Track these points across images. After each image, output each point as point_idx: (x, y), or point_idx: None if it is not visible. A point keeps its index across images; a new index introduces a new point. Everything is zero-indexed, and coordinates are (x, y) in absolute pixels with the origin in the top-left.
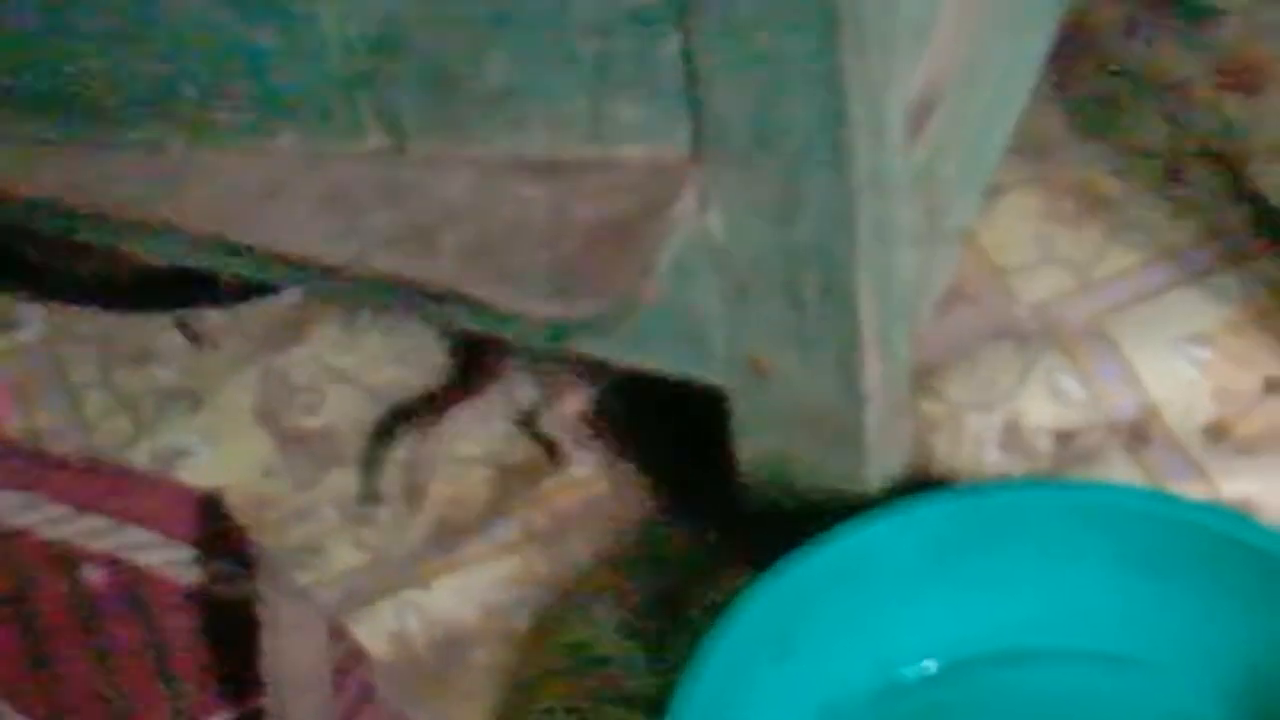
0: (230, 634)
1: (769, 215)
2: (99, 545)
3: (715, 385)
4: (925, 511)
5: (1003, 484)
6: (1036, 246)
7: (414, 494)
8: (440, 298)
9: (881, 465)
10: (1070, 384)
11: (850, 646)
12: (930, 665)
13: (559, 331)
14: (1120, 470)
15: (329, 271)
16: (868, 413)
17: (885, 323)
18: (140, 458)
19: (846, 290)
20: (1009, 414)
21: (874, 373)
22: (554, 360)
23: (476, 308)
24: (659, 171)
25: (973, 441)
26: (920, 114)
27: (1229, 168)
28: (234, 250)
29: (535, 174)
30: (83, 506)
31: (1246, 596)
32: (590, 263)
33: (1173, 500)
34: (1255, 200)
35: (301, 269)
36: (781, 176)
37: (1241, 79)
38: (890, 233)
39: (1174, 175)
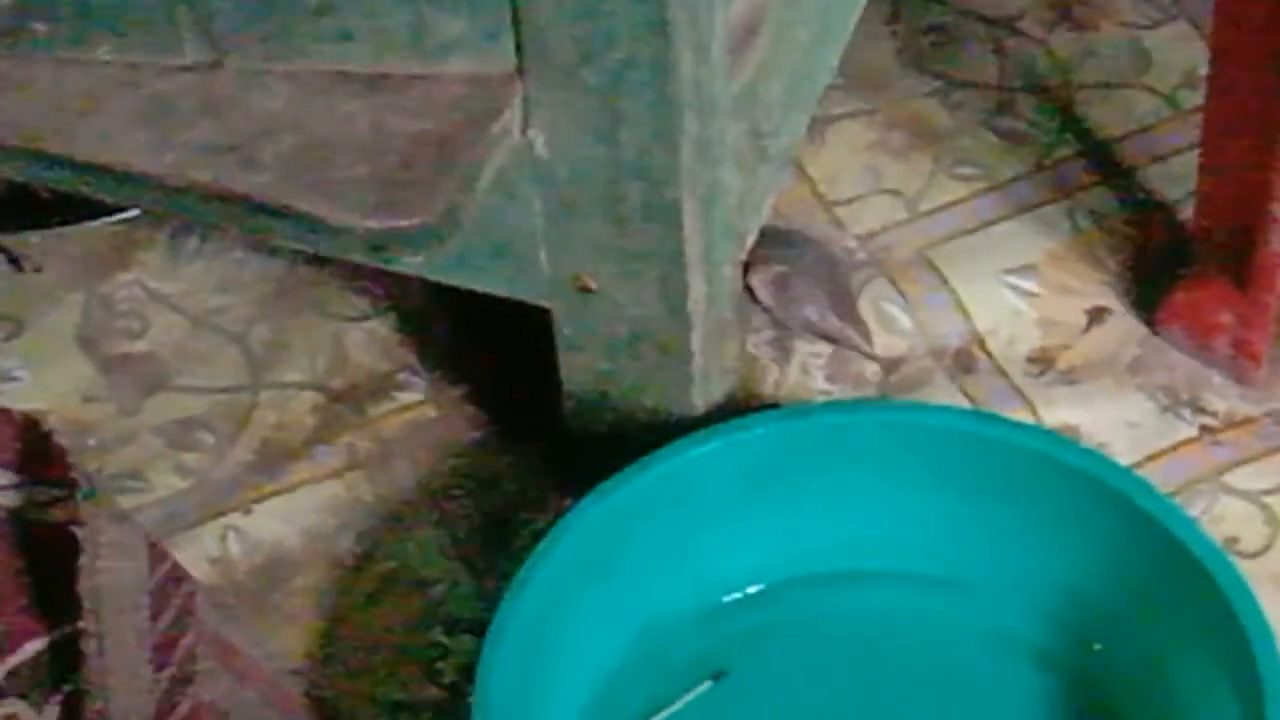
0: (49, 557)
1: (592, 131)
2: None
3: (540, 305)
4: (748, 434)
5: (825, 406)
6: (866, 178)
7: None
8: (261, 210)
9: (707, 387)
10: (897, 313)
11: (673, 568)
12: (752, 587)
13: (380, 245)
14: (945, 397)
15: (147, 183)
16: (693, 332)
17: (709, 243)
18: None
19: (669, 208)
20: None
21: (698, 292)
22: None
23: (297, 221)
24: (482, 86)
25: (800, 368)
26: (743, 34)
27: (1058, 101)
28: (51, 162)
29: (356, 88)
30: None
31: (1065, 517)
32: (411, 177)
33: (993, 421)
34: (1083, 134)
35: (120, 181)
36: (604, 92)
37: (1071, 14)
38: (713, 152)
39: (1003, 108)
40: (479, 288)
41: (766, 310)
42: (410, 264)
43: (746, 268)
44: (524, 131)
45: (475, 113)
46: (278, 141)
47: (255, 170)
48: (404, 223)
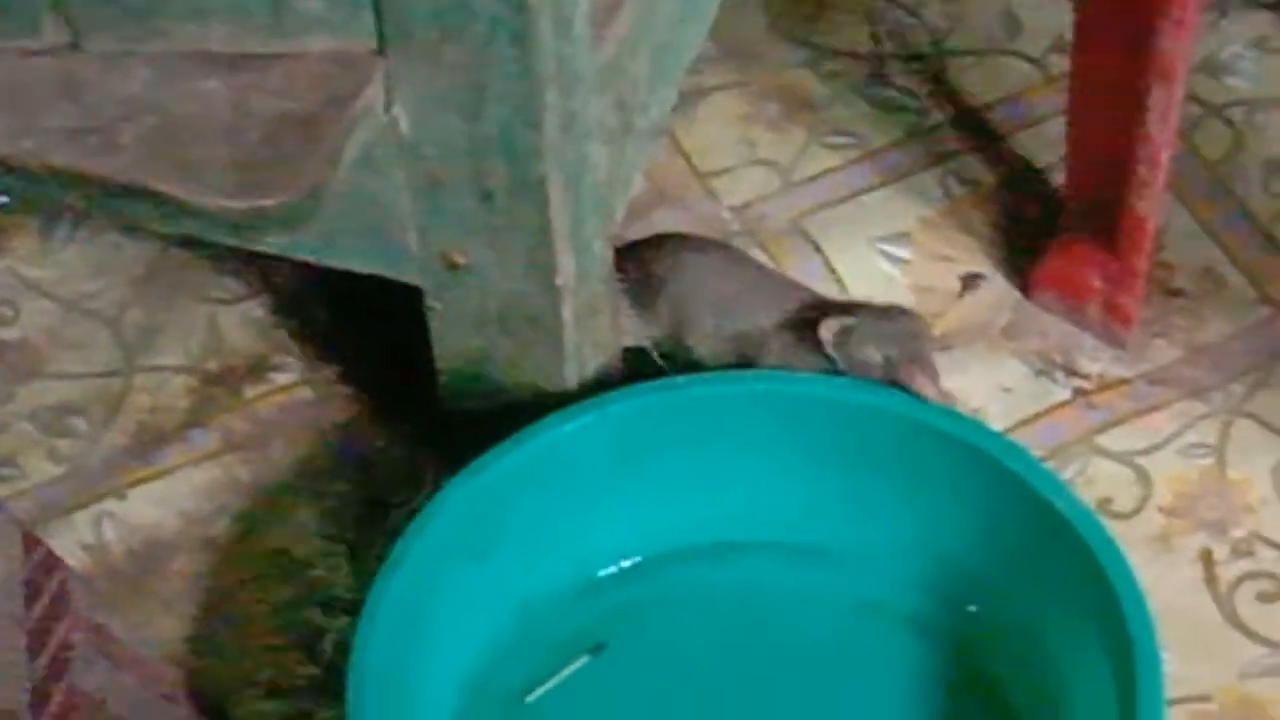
0: None
1: (455, 108)
2: None
3: (411, 283)
4: (618, 408)
5: (694, 379)
6: (739, 149)
7: None
8: (123, 193)
9: (580, 362)
10: None
11: (548, 544)
12: (628, 561)
13: (242, 226)
14: None
15: (7, 168)
16: (563, 308)
17: (578, 217)
18: None
19: (535, 183)
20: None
21: (568, 267)
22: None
23: (160, 203)
24: (344, 64)
25: None
26: (606, 9)
27: (930, 69)
28: None
29: (217, 68)
30: None
31: (937, 483)
32: (273, 156)
33: (863, 389)
34: (956, 101)
35: None
36: (466, 68)
37: None
38: (579, 127)
39: (876, 77)
40: (348, 267)
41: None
42: (275, 244)
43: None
44: (387, 109)
45: (337, 91)
46: (138, 123)
47: (115, 153)
48: (266, 203)
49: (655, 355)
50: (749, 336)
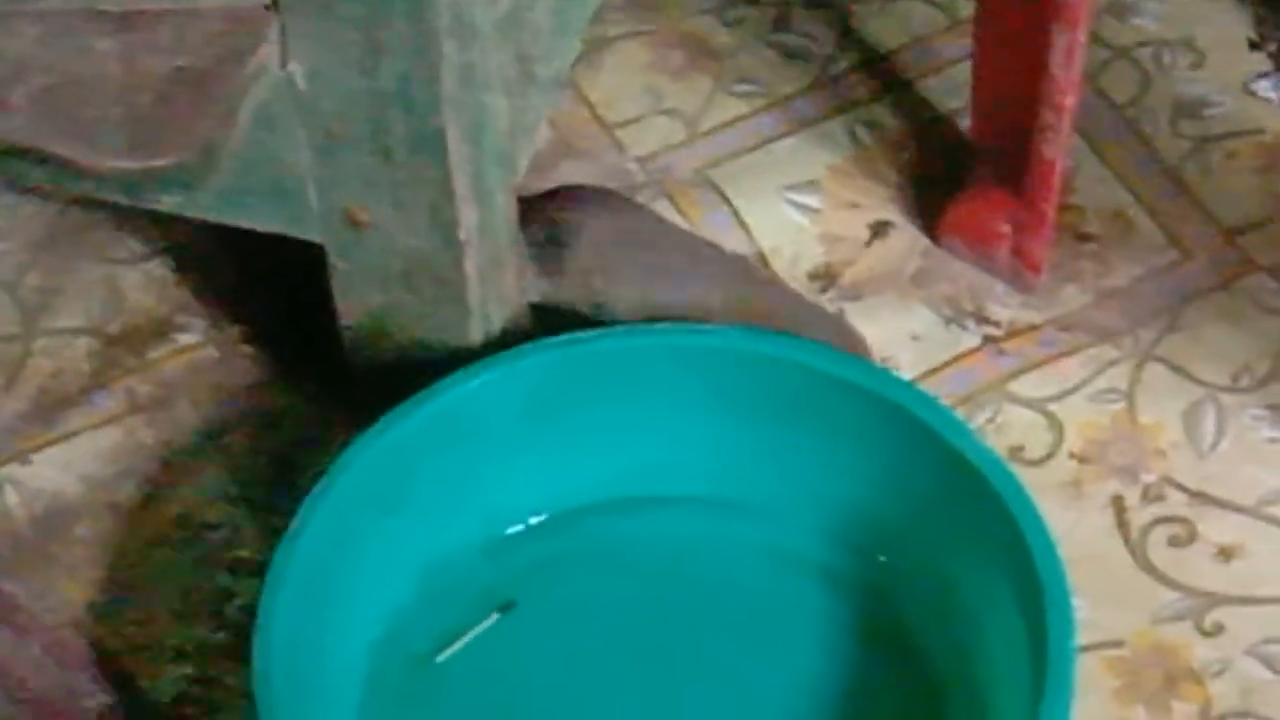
0: None
1: (352, 63)
2: None
3: (312, 240)
4: (526, 362)
5: (604, 332)
6: (645, 99)
7: None
8: (14, 154)
9: (486, 317)
10: None
11: (457, 501)
12: (538, 518)
13: (136, 186)
14: None
15: None
16: (466, 262)
17: (479, 171)
18: None
19: (434, 137)
20: None
21: (469, 222)
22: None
23: (53, 163)
24: (237, 21)
25: None
26: None
27: (835, 15)
28: None
29: (108, 26)
30: None
31: (847, 434)
32: (166, 114)
33: (773, 340)
34: (862, 47)
35: None
36: (361, 22)
37: None
38: (478, 79)
39: (781, 24)
40: (247, 225)
41: None
42: (172, 204)
43: None
44: (283, 65)
45: (231, 48)
46: (28, 83)
47: (6, 114)
48: (160, 162)
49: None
50: (684, 311)
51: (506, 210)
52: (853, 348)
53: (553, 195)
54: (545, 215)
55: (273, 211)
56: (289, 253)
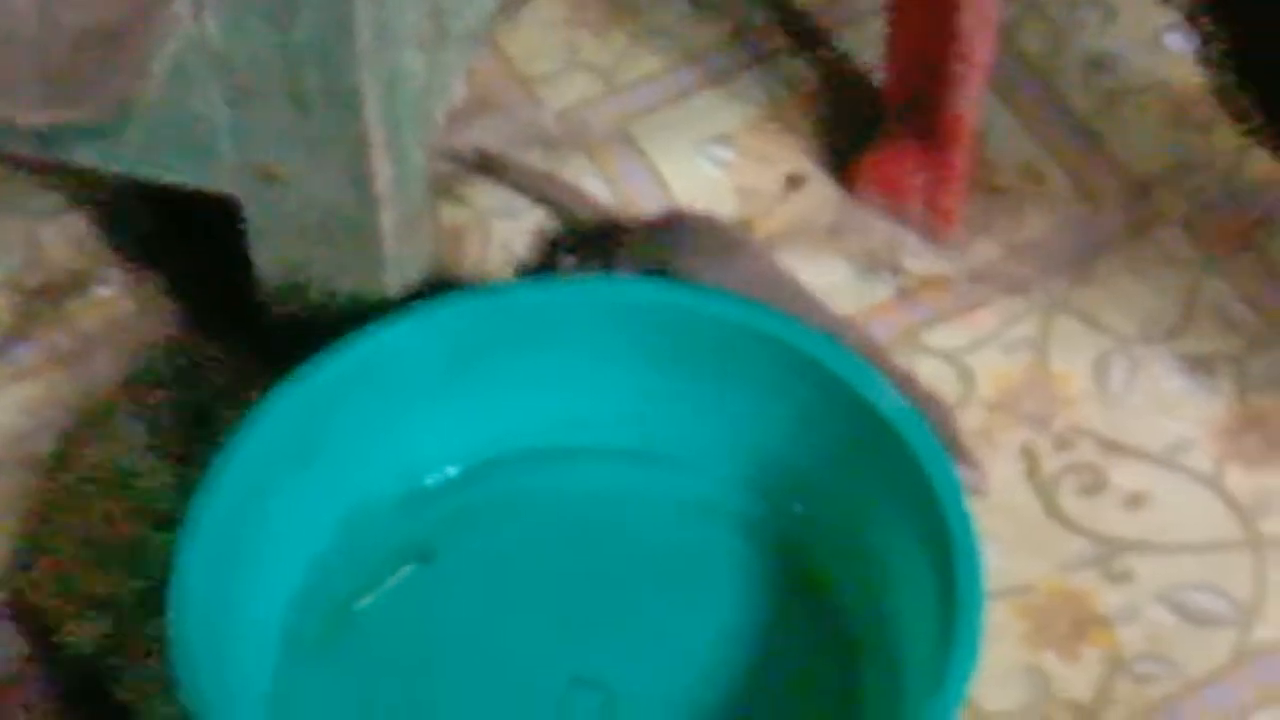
0: None
1: (266, 16)
2: None
3: (228, 195)
4: (443, 313)
5: (521, 284)
6: (562, 53)
7: None
8: None
9: (401, 270)
10: (598, 187)
11: (375, 452)
12: (456, 469)
13: (51, 139)
14: None
15: None
16: (382, 216)
17: (394, 126)
18: None
19: (350, 92)
20: (537, 219)
21: (385, 176)
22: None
23: None
24: None
25: (501, 248)
26: None
27: None
28: None
29: None
30: None
31: (762, 385)
32: (80, 69)
33: (689, 292)
34: (778, 1)
35: None
36: None
37: None
38: (392, 34)
39: None
40: (163, 179)
41: None
42: (87, 158)
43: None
44: (197, 19)
45: (145, 2)
46: None
47: None
48: (74, 116)
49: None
50: None
51: (422, 165)
52: (941, 418)
53: (660, 227)
54: (653, 254)
55: (188, 165)
56: (206, 206)
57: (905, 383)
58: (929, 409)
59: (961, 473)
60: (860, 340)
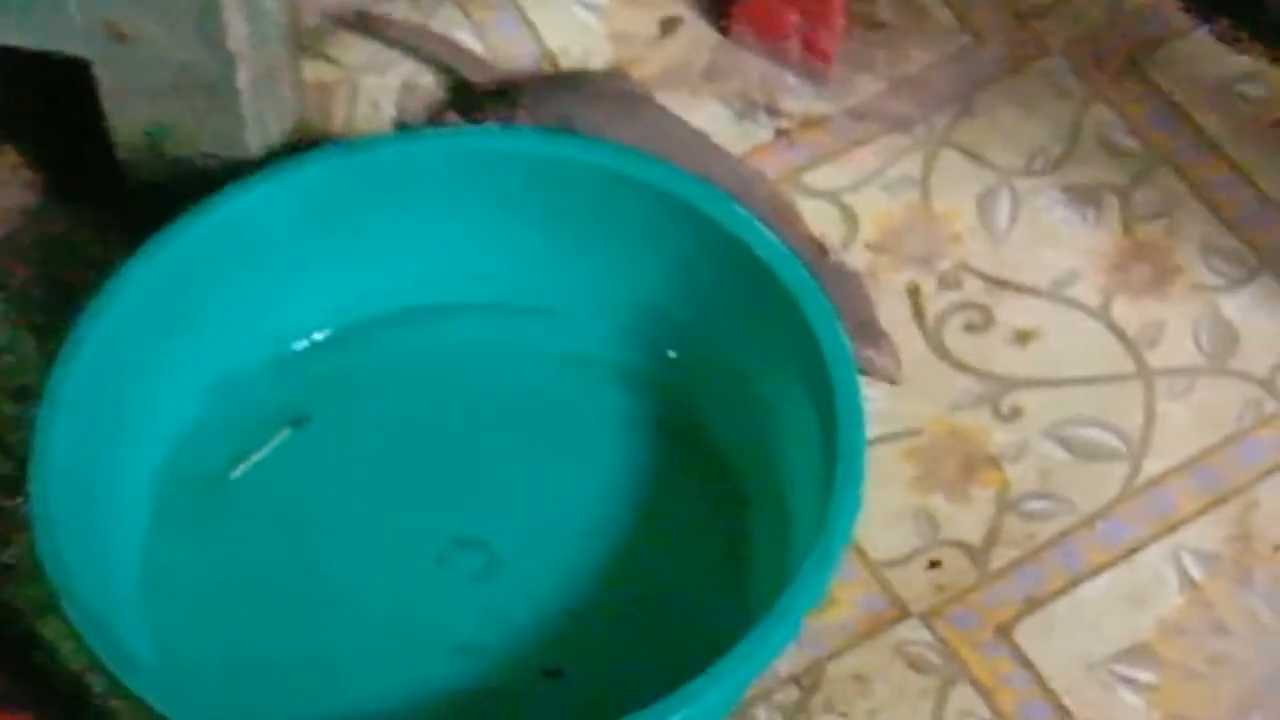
0: None
1: None
2: None
3: (78, 56)
4: (304, 171)
5: (384, 138)
6: None
7: None
8: None
9: (263, 130)
10: (468, 38)
11: (242, 317)
12: (327, 331)
13: None
14: None
15: None
16: (238, 74)
17: None
18: None
19: None
20: (404, 74)
21: (239, 32)
22: None
23: None
24: None
25: (369, 104)
26: None
27: None
28: None
29: None
30: None
31: (635, 232)
32: None
33: (557, 140)
34: None
35: None
36: None
37: None
38: None
39: None
40: (7, 42)
41: None
42: None
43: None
44: None
45: None
46: None
47: None
48: None
49: None
50: None
51: (280, 18)
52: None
53: (561, 84)
54: (554, 112)
55: (32, 27)
56: (61, 71)
57: (816, 253)
58: (842, 285)
59: (875, 358)
60: (771, 196)
